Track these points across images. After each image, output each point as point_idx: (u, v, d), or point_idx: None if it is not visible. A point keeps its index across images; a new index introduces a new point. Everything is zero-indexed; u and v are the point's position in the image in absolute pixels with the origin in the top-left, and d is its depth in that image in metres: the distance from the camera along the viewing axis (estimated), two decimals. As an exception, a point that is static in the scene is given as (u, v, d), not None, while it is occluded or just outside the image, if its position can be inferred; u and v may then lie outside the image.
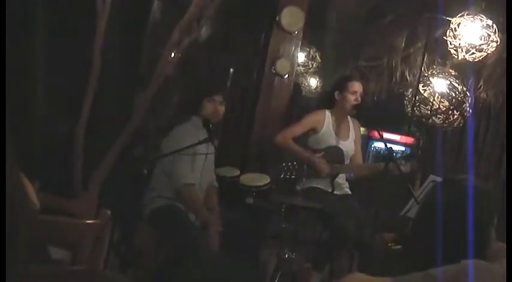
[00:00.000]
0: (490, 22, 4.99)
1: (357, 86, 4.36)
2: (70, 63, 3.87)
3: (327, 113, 4.44)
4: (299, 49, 5.14)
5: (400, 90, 6.30)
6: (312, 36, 6.04)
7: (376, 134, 5.08)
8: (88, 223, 2.43)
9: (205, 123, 3.90)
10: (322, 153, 4.34)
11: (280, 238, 4.01)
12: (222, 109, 4.00)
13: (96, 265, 2.44)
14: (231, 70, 5.41)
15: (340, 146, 4.40)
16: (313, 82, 6.86)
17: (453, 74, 5.55)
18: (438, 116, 5.59)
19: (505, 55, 5.24)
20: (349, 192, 4.43)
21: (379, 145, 5.53)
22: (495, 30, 4.98)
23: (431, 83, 5.63)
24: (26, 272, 2.08)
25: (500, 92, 5.75)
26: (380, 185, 4.63)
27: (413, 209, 3.84)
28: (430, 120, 5.67)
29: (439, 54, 5.84)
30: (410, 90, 5.98)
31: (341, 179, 4.41)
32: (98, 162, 3.36)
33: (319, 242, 4.36)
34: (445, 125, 5.62)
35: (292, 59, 5.03)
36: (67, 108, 3.67)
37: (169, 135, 3.88)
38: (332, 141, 4.38)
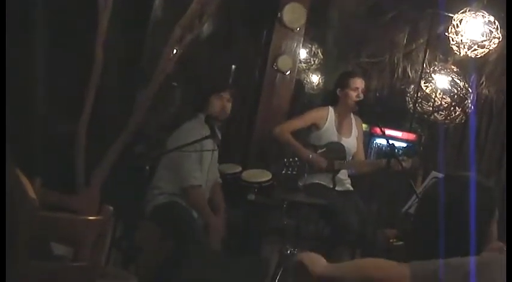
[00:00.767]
0: (492, 18, 4.97)
1: (358, 83, 4.35)
2: (71, 62, 3.88)
3: (331, 109, 4.42)
4: (301, 46, 5.13)
5: (402, 87, 6.30)
6: (313, 33, 6.04)
7: (378, 130, 5.08)
8: (90, 219, 2.43)
9: (207, 120, 3.91)
10: (324, 149, 4.33)
11: (282, 234, 4.00)
12: (229, 106, 4.00)
13: (98, 261, 2.45)
14: (233, 67, 5.41)
15: (342, 142, 4.39)
16: (315, 79, 6.84)
17: (455, 70, 5.54)
18: (440, 112, 5.58)
19: (507, 51, 5.23)
20: (351, 188, 4.43)
21: (381, 141, 5.51)
22: (497, 26, 4.96)
23: (433, 79, 5.62)
24: (27, 268, 2.09)
25: (502, 89, 5.74)
26: (382, 182, 4.63)
27: (415, 205, 3.84)
28: (432, 117, 5.66)
29: (441, 50, 5.84)
30: (412, 86, 5.97)
31: (343, 175, 4.40)
32: (100, 159, 3.37)
33: (322, 238, 4.36)
34: (446, 121, 5.62)
35: (294, 55, 5.02)
36: (68, 106, 3.68)
37: (176, 132, 3.89)
38: (334, 138, 4.37)
